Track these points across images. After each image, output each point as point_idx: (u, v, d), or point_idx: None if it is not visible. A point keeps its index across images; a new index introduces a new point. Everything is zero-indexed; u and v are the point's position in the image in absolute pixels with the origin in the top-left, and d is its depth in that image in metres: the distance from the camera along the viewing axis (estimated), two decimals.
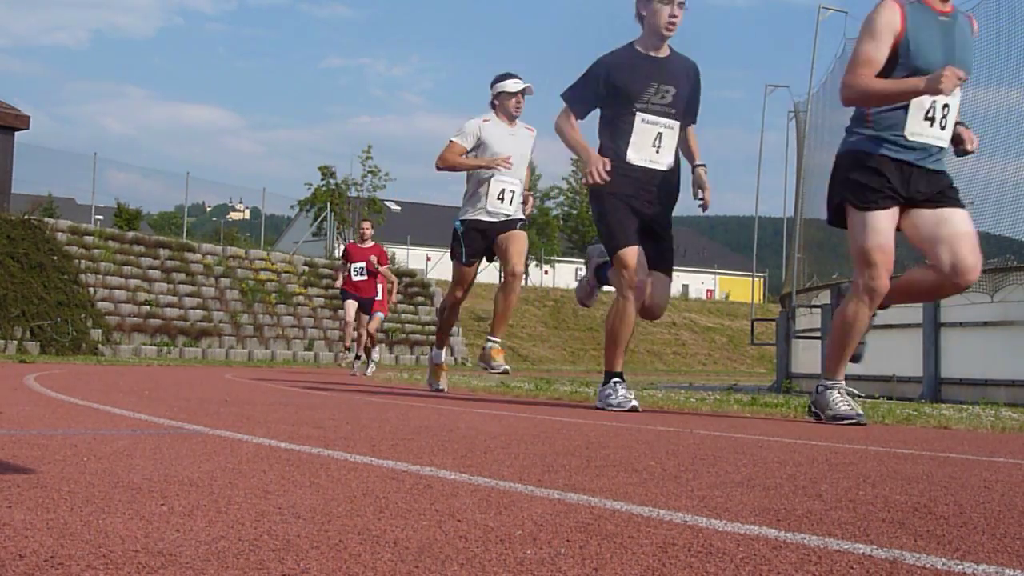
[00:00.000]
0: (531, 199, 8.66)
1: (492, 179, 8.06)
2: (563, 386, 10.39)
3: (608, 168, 5.89)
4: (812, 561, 1.87)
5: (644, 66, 6.02)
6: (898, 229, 5.76)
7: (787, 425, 6.12)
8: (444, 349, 9.59)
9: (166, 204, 62.52)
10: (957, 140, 5.52)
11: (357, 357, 15.30)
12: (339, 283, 15.39)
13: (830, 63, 13.90)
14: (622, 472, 3.20)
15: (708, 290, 67.14)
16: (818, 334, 12.49)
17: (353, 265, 15.20)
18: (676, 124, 6.12)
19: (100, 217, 30.95)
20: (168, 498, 2.35)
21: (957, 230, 5.25)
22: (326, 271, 29.31)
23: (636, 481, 2.98)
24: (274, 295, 26.84)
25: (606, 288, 6.84)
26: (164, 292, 24.66)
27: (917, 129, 5.28)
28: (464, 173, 8.17)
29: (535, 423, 5.50)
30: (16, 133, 25.39)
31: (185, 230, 31.24)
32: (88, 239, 24.72)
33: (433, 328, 29.38)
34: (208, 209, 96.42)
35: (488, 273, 50.15)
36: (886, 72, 5.18)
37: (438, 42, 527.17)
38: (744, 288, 62.11)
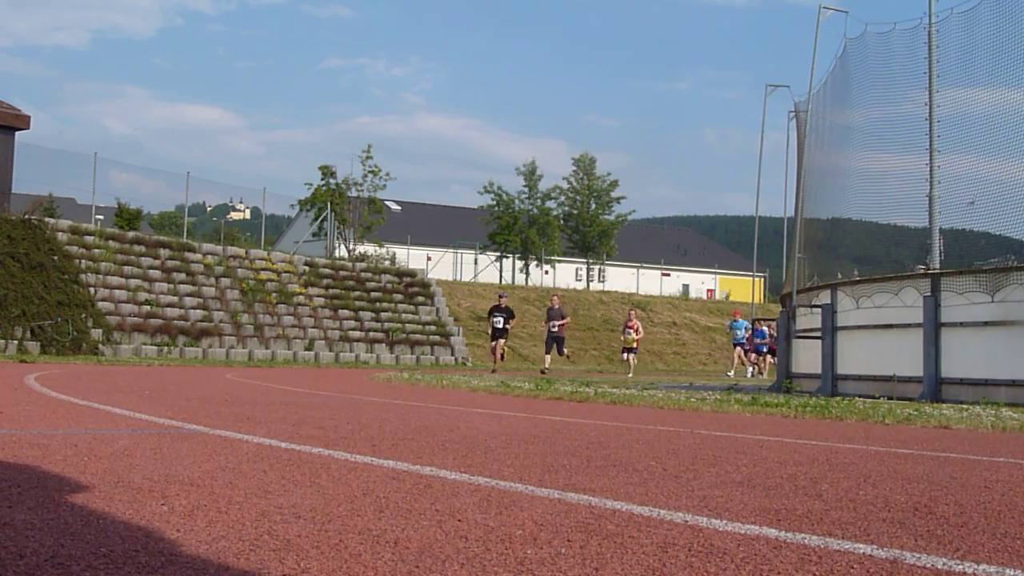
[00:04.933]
0: None
1: None
2: (563, 386, 10.39)
3: None
4: (812, 561, 1.87)
5: None
6: None
7: (787, 425, 6.12)
8: None
9: (167, 204, 62.49)
10: None
11: None
12: None
13: (830, 63, 13.90)
14: (622, 472, 3.20)
15: (708, 290, 67.05)
16: (818, 334, 12.48)
17: None
18: None
19: (100, 217, 30.90)
20: (168, 498, 2.35)
21: None
22: (326, 271, 29.24)
23: (636, 481, 2.98)
24: (274, 295, 26.79)
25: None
26: (165, 292, 24.60)
27: None
28: None
29: (535, 423, 5.50)
30: (16, 133, 25.36)
31: (185, 230, 31.21)
32: (89, 239, 24.68)
33: (434, 328, 29.35)
34: (209, 209, 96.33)
35: (489, 273, 49.46)
36: None
37: (438, 42, 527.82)
38: (744, 288, 62.09)
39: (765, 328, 27.56)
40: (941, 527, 2.30)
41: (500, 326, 20.28)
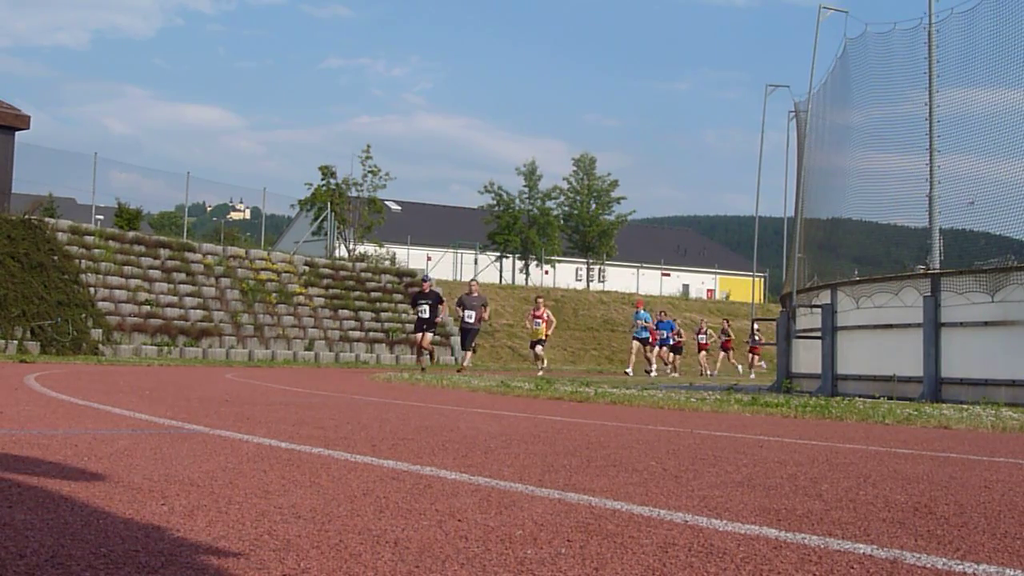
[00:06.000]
0: None
1: None
2: (563, 386, 10.38)
3: None
4: (812, 561, 1.87)
5: None
6: None
7: (787, 425, 6.12)
8: None
9: (167, 204, 62.59)
10: None
11: None
12: None
13: (830, 63, 13.90)
14: (622, 472, 3.20)
15: (708, 290, 67.04)
16: (818, 334, 12.48)
17: None
18: None
19: (101, 217, 30.88)
20: (168, 498, 2.35)
21: None
22: (326, 271, 29.24)
23: (636, 481, 2.98)
24: (274, 295, 26.78)
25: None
26: (165, 292, 24.60)
27: None
28: None
29: (535, 423, 5.50)
30: (17, 133, 25.35)
31: (185, 230, 31.21)
32: (89, 239, 24.67)
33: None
34: (209, 209, 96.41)
35: (489, 273, 49.30)
36: None
37: (438, 42, 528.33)
38: (744, 288, 62.13)
39: (671, 320, 25.07)
40: (941, 527, 2.30)
41: (426, 316, 17.10)
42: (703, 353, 27.50)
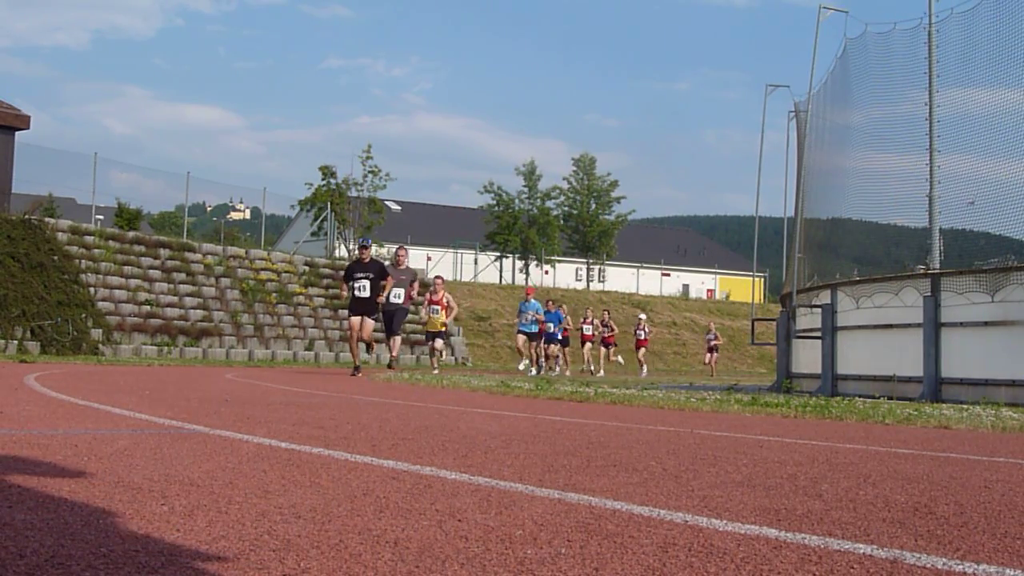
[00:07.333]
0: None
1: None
2: (563, 386, 10.39)
3: None
4: (812, 561, 1.87)
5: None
6: None
7: (787, 425, 6.12)
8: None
9: (167, 204, 62.77)
10: None
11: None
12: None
13: (830, 63, 13.90)
14: (622, 472, 3.20)
15: (708, 290, 67.07)
16: (818, 334, 12.48)
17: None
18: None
19: (101, 217, 30.88)
20: (168, 498, 2.35)
21: None
22: (326, 271, 29.24)
23: (636, 481, 2.98)
24: (274, 295, 26.78)
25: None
26: (165, 292, 24.61)
27: None
28: None
29: (535, 423, 5.50)
30: (17, 133, 25.36)
31: (185, 230, 31.21)
32: (89, 239, 24.68)
33: None
34: (209, 209, 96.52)
35: (489, 273, 49.34)
36: None
37: (438, 42, 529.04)
38: (744, 288, 62.16)
39: (561, 310, 21.85)
40: (941, 527, 2.30)
41: (366, 295, 13.27)
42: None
